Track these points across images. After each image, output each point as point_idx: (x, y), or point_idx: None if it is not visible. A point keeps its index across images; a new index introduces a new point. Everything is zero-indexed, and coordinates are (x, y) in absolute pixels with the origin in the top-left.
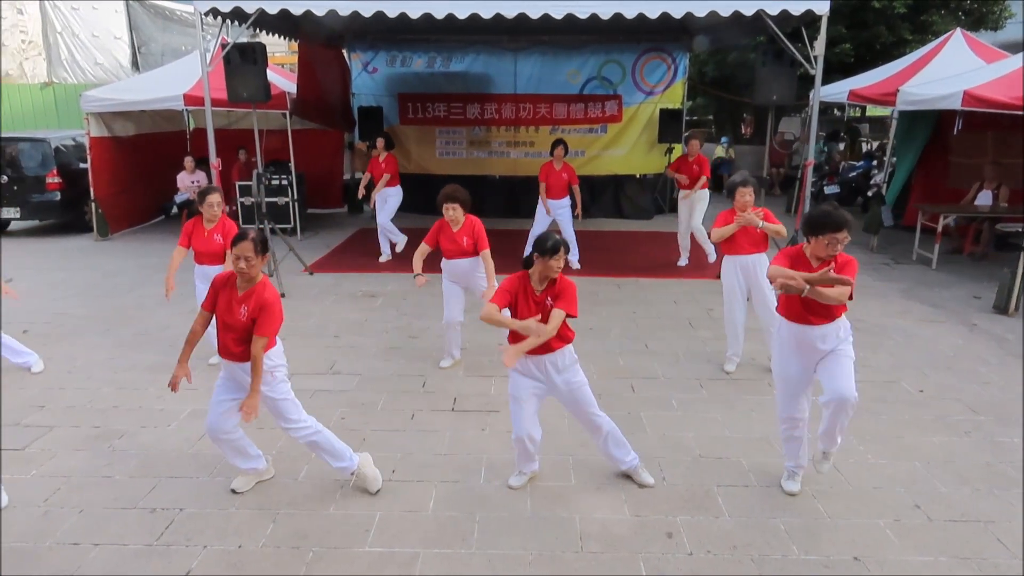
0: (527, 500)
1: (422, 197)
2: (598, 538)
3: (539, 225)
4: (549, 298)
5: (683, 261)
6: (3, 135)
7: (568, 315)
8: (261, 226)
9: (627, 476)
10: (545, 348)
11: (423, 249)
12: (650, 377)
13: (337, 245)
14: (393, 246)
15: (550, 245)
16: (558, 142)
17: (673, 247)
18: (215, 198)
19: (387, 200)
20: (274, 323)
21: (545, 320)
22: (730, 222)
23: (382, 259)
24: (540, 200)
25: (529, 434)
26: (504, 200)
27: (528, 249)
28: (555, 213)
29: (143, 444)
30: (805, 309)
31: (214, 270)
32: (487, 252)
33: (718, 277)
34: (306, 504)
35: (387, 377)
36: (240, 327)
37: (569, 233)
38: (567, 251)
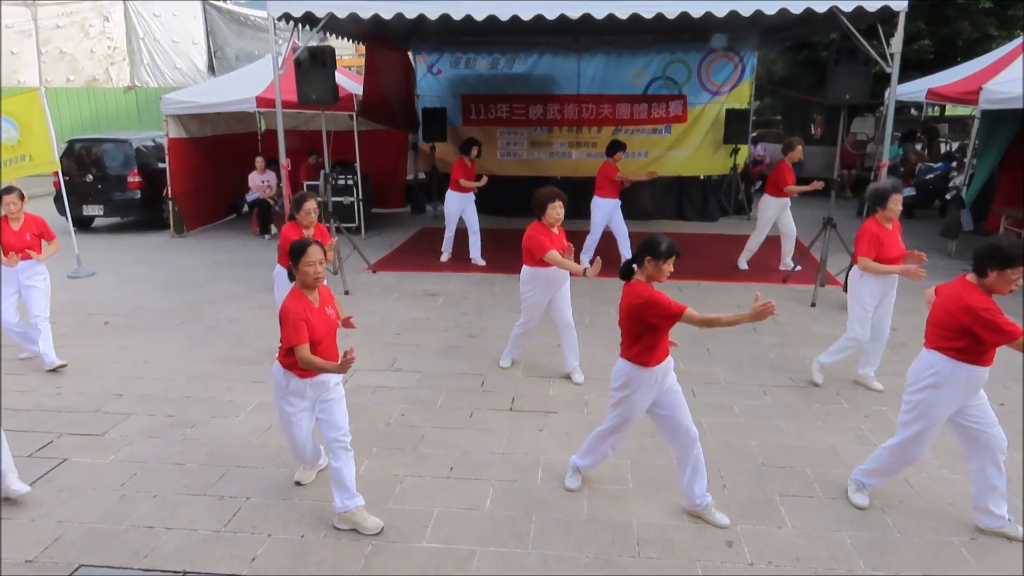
0: (584, 502)
1: (482, 197)
2: (655, 543)
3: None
4: None
5: (743, 264)
6: (89, 136)
7: None
8: (327, 225)
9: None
10: (666, 353)
11: (556, 254)
12: (711, 382)
13: (400, 244)
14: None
15: (664, 248)
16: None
17: (736, 250)
18: (311, 205)
19: (468, 206)
20: None
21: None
22: (879, 237)
23: (443, 258)
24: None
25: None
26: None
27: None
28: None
29: (213, 434)
30: (991, 350)
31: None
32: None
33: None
34: (366, 498)
35: (447, 375)
36: (334, 328)
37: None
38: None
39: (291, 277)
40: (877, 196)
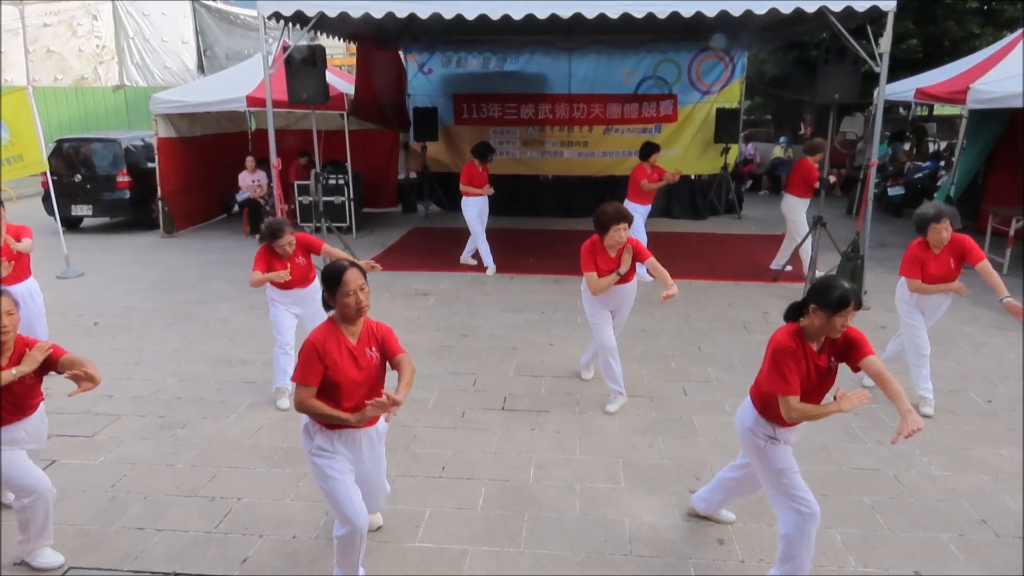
0: (576, 501)
1: None
2: (647, 542)
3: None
4: (832, 358)
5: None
6: (77, 136)
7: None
8: (318, 224)
9: (705, 518)
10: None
11: (594, 276)
12: (703, 381)
13: (391, 244)
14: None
15: (836, 297)
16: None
17: (727, 248)
18: (287, 239)
19: (484, 211)
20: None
21: (829, 384)
22: (921, 259)
23: (489, 272)
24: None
25: None
26: (557, 200)
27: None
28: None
29: (204, 434)
30: None
31: (304, 292)
32: (653, 259)
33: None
34: None
35: (439, 375)
36: (376, 373)
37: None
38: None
39: (327, 307)
40: (917, 224)
